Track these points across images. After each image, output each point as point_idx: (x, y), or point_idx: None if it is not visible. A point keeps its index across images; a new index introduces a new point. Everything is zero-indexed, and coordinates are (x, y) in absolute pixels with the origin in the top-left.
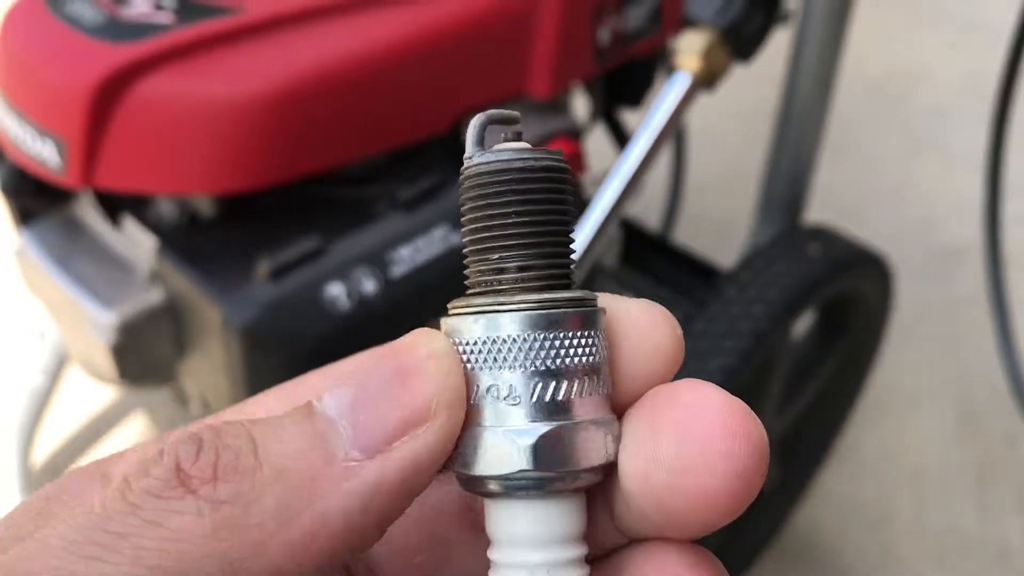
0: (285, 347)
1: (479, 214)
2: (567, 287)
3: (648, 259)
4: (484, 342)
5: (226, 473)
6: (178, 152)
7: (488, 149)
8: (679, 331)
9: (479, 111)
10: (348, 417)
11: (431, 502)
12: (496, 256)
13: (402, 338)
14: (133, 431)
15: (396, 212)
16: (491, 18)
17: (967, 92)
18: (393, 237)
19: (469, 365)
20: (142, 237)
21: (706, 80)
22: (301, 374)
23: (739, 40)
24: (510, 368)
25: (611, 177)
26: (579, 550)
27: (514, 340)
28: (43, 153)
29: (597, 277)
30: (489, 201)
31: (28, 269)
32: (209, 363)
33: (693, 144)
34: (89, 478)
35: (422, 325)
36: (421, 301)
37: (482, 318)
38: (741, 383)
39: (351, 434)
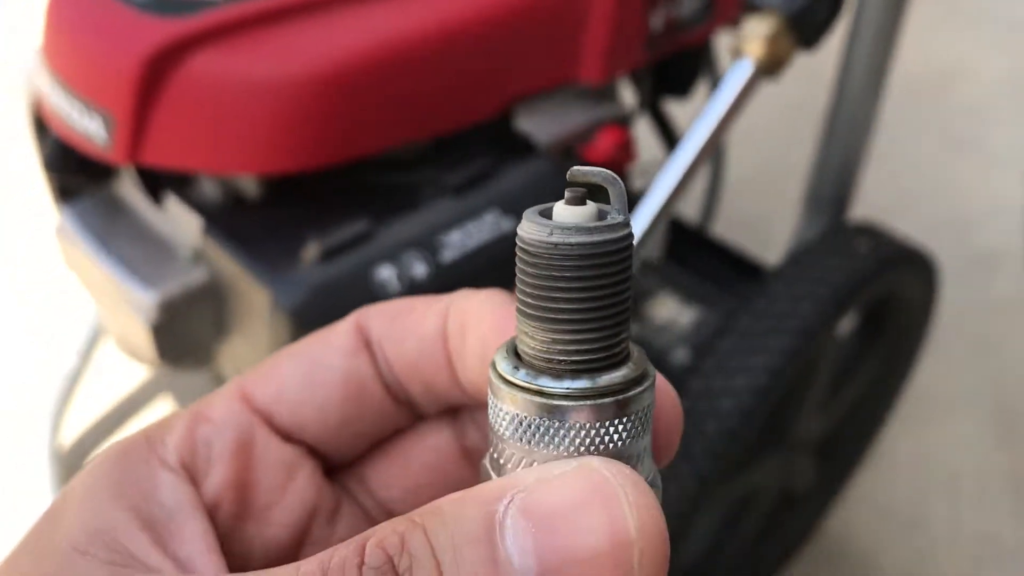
0: None
1: (533, 290)
2: (621, 364)
3: (690, 254)
4: (537, 425)
5: None
6: (226, 131)
7: (545, 213)
8: (680, 409)
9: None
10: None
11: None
12: (548, 337)
13: (587, 478)
14: (161, 413)
15: (445, 197)
16: (543, 2)
17: (1007, 92)
18: (443, 222)
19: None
20: (186, 216)
21: (769, 67)
22: None
23: (805, 28)
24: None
25: (670, 164)
26: None
27: (569, 427)
28: (89, 129)
29: (641, 271)
30: (541, 283)
31: (68, 247)
32: (251, 345)
33: (729, 141)
34: (139, 453)
35: None
36: (472, 286)
37: (537, 400)
38: (786, 381)
39: None
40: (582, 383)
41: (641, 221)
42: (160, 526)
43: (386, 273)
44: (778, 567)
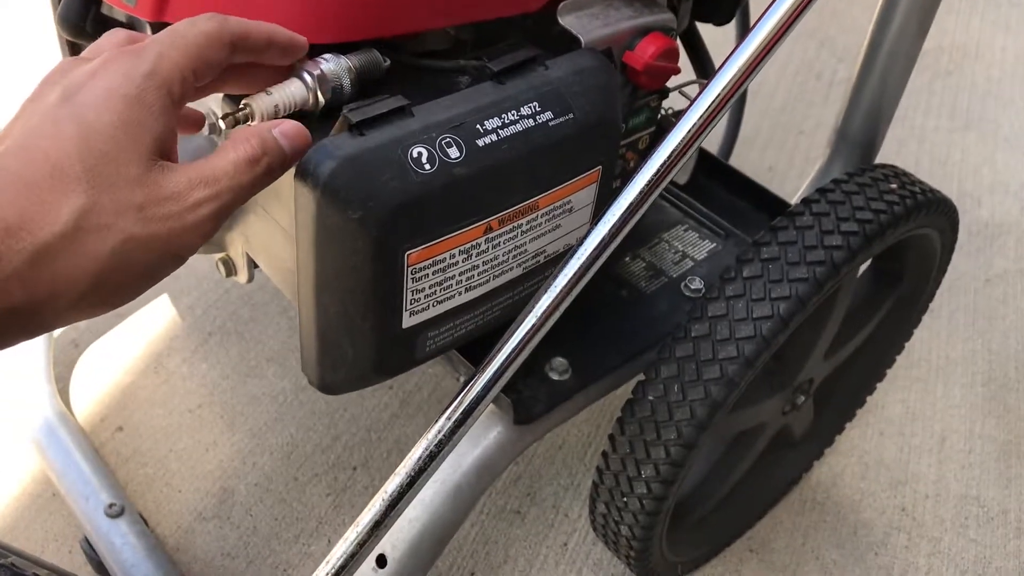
0: (364, 203)
1: None
2: None
3: (714, 186)
4: None
5: None
6: None
7: None
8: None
9: None
10: None
11: None
12: None
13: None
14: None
15: (485, 83)
16: None
17: (1019, 73)
18: (481, 108)
19: None
20: None
21: None
22: (376, 240)
23: None
24: None
25: (728, 67)
26: None
27: None
28: None
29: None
30: None
31: None
32: (270, 224)
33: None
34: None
35: (505, 196)
36: (505, 172)
37: None
38: (803, 317)
39: None
40: None
41: (679, 135)
42: None
43: (420, 151)
44: (767, 509)
